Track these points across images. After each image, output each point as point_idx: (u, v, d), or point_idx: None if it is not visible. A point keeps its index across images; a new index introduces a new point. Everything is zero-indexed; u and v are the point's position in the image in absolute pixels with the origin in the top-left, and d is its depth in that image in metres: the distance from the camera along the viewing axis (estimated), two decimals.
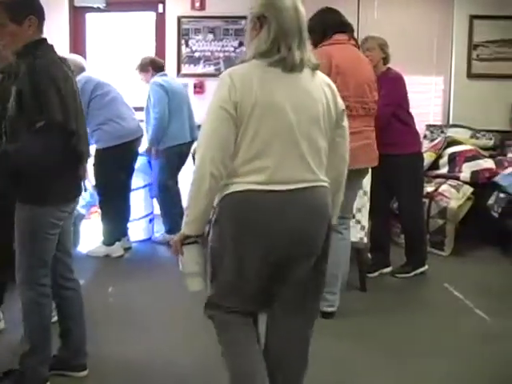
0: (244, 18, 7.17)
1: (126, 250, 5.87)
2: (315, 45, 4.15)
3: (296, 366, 2.73)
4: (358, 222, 4.60)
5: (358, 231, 4.58)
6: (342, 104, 2.69)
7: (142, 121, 6.03)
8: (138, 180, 6.16)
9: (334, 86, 2.67)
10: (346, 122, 2.73)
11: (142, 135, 5.84)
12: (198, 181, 2.40)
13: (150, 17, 7.45)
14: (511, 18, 7.21)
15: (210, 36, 7.27)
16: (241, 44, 7.21)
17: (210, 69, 7.29)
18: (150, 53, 7.18)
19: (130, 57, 6.66)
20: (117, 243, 5.73)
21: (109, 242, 5.70)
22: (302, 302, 2.62)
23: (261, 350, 2.63)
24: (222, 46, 7.26)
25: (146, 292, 4.75)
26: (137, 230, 6.23)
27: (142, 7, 7.45)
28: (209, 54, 7.30)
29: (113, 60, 7.34)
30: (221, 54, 7.28)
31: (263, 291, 2.53)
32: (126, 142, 5.55)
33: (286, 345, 2.66)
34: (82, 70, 5.47)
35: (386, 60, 4.98)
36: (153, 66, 6.15)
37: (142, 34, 7.49)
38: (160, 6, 7.36)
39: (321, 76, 2.61)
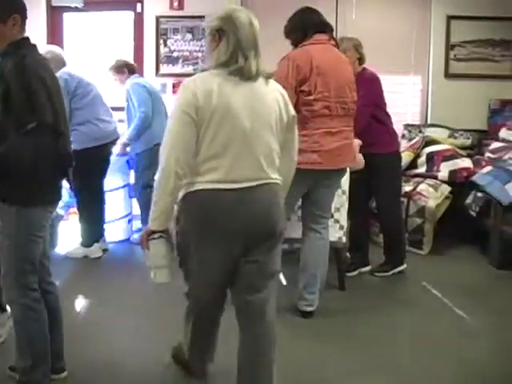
0: None
1: (104, 251, 5.83)
2: (295, 44, 4.17)
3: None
4: (337, 221, 4.61)
5: (336, 231, 4.59)
6: (292, 110, 2.96)
7: (120, 121, 6.02)
8: (116, 180, 6.14)
9: (285, 93, 2.93)
10: (296, 127, 3.02)
11: (118, 138, 5.84)
12: (163, 180, 2.67)
13: (128, 16, 7.41)
14: (488, 19, 7.25)
15: (189, 36, 7.25)
16: None
17: (189, 69, 7.26)
18: (129, 52, 7.18)
19: (108, 57, 6.62)
20: (95, 244, 5.69)
21: (87, 243, 5.66)
22: (260, 280, 2.84)
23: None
24: (201, 46, 7.23)
25: (123, 294, 4.73)
26: (116, 231, 6.21)
27: (120, 7, 7.41)
28: (187, 53, 7.28)
29: (91, 60, 7.29)
30: (199, 54, 7.25)
31: (226, 277, 2.82)
32: (101, 144, 5.52)
33: (249, 322, 2.90)
34: (63, 64, 5.40)
35: (361, 60, 4.99)
36: (128, 68, 6.15)
37: (120, 34, 7.45)
38: (138, 6, 7.32)
39: (274, 84, 2.88)
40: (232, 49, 2.72)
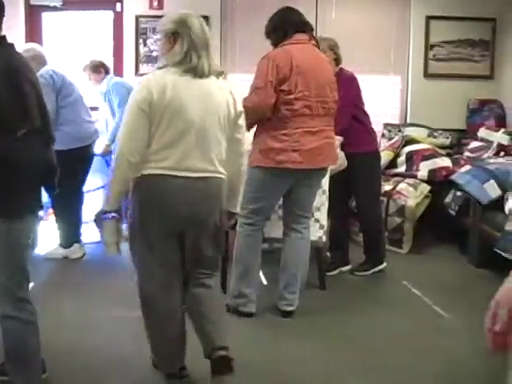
0: (203, 17, 7.15)
1: (82, 256, 5.73)
2: (275, 45, 4.16)
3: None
4: (317, 220, 4.62)
5: (316, 230, 4.60)
6: (240, 107, 3.20)
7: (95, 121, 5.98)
8: (96, 181, 6.11)
9: (234, 91, 3.18)
10: (243, 122, 3.25)
11: (98, 138, 5.79)
12: (117, 166, 2.98)
13: (107, 16, 7.38)
14: (467, 19, 7.31)
15: None
16: None
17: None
18: (108, 52, 7.14)
19: (87, 56, 6.58)
20: (75, 245, 5.65)
21: (66, 244, 5.62)
22: (200, 262, 3.17)
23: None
24: None
25: (103, 294, 4.71)
26: (96, 231, 6.16)
27: (100, 6, 7.38)
28: None
29: (70, 60, 7.24)
30: None
31: (170, 254, 3.10)
32: (84, 145, 5.47)
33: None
34: (44, 62, 5.31)
35: (337, 61, 4.99)
36: (104, 68, 6.13)
37: (99, 34, 7.42)
38: (118, 5, 7.29)
39: (224, 82, 3.15)
40: (186, 49, 3.00)
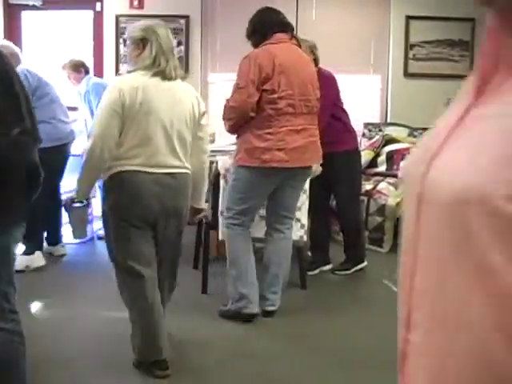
0: (184, 17, 7.16)
1: (62, 256, 5.66)
2: (257, 44, 4.15)
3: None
4: (298, 220, 4.63)
5: (297, 229, 4.61)
6: (203, 107, 3.52)
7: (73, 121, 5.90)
8: (74, 181, 6.05)
9: (197, 93, 3.54)
10: (205, 122, 3.55)
11: (74, 139, 5.64)
12: (88, 161, 3.26)
13: (87, 15, 7.35)
14: (447, 19, 7.36)
15: None
16: (179, 43, 7.17)
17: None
18: (88, 52, 7.11)
19: (67, 56, 6.55)
20: (37, 252, 5.33)
21: (29, 251, 5.31)
22: (170, 250, 3.48)
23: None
24: None
25: (84, 294, 4.69)
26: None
27: (80, 5, 7.36)
28: None
29: (50, 59, 7.20)
30: None
31: (144, 245, 3.34)
32: (60, 144, 5.37)
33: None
34: (19, 61, 5.23)
35: (316, 61, 4.99)
36: (84, 68, 6.10)
37: (79, 33, 7.39)
38: (98, 5, 7.28)
39: (188, 85, 3.48)
40: (155, 53, 3.27)
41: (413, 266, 0.92)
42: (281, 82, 3.99)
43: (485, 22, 0.87)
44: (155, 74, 3.25)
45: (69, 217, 3.74)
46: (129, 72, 3.36)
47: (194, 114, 3.40)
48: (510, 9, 0.84)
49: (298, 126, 4.07)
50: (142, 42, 3.31)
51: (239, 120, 4.02)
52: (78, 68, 6.08)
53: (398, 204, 6.03)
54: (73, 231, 3.72)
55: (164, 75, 3.26)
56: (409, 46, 7.48)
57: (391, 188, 6.14)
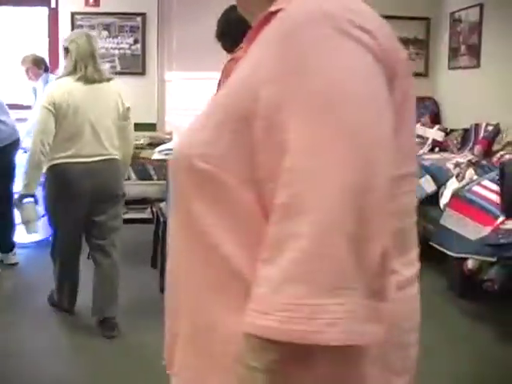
0: (140, 14, 7.11)
1: (14, 265, 5.47)
2: (230, 50, 3.87)
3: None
4: None
5: None
6: (126, 103, 4.02)
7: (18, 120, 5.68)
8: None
9: (122, 92, 4.04)
10: (130, 115, 4.08)
11: (17, 139, 5.35)
12: (32, 156, 3.78)
13: (42, 12, 7.25)
14: (402, 18, 7.41)
15: (105, 33, 7.14)
16: (136, 41, 7.13)
17: (105, 66, 7.15)
18: (44, 49, 7.01)
19: (21, 54, 6.45)
20: None
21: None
22: (105, 231, 4.07)
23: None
24: (117, 44, 7.15)
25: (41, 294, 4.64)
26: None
27: (34, 2, 7.25)
28: (104, 51, 7.13)
29: (2, 56, 7.09)
30: (116, 52, 7.15)
31: (77, 227, 4.02)
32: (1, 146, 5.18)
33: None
34: None
35: None
36: (45, 66, 6.02)
37: (34, 30, 7.29)
38: (53, 2, 7.17)
39: (113, 85, 4.01)
40: (74, 62, 3.85)
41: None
42: None
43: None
44: (78, 79, 3.83)
45: (20, 214, 4.00)
46: (58, 78, 3.97)
47: (118, 109, 3.98)
48: None
49: None
50: (65, 51, 3.93)
51: None
52: (39, 64, 5.98)
53: None
54: (25, 227, 4.02)
55: (86, 79, 3.84)
56: None
57: None
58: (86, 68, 3.84)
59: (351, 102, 0.94)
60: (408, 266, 1.16)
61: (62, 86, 3.84)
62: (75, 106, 3.78)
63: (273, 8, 1.06)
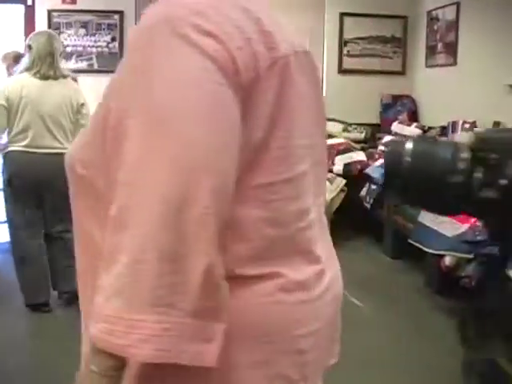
0: (118, 12, 7.07)
1: None
2: None
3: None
4: None
5: None
6: (81, 100, 4.27)
7: None
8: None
9: (79, 88, 4.39)
10: (85, 110, 4.27)
11: None
12: None
13: (18, 9, 7.18)
14: (379, 16, 7.46)
15: (82, 31, 7.09)
16: (113, 39, 7.09)
17: (83, 64, 7.12)
18: (20, 47, 6.94)
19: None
20: None
21: None
22: (58, 219, 4.21)
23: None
24: (95, 42, 7.11)
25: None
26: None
27: None
28: (81, 49, 7.11)
29: None
30: (93, 50, 7.11)
31: (30, 212, 4.20)
32: None
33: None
34: None
35: None
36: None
37: (10, 28, 7.22)
38: None
39: (70, 82, 4.33)
40: (32, 58, 4.15)
41: None
42: None
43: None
44: (34, 75, 4.11)
45: None
46: (20, 73, 4.21)
47: (72, 104, 4.21)
48: None
49: None
50: (27, 49, 4.21)
51: None
52: (19, 60, 5.91)
53: (333, 199, 6.09)
54: None
55: (41, 75, 4.11)
56: (343, 43, 7.56)
57: (327, 183, 6.18)
58: (42, 65, 4.11)
59: (179, 115, 0.94)
60: (300, 269, 1.14)
61: (18, 81, 4.14)
62: (29, 100, 4.05)
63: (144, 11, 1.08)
